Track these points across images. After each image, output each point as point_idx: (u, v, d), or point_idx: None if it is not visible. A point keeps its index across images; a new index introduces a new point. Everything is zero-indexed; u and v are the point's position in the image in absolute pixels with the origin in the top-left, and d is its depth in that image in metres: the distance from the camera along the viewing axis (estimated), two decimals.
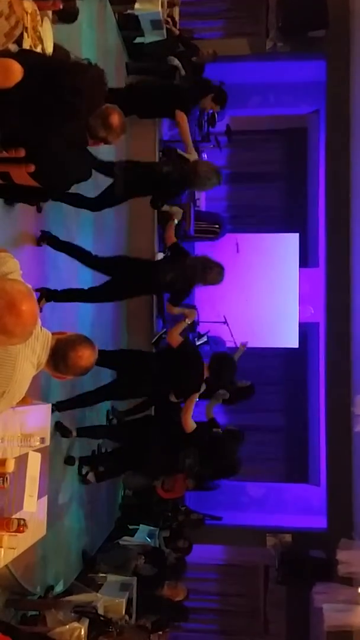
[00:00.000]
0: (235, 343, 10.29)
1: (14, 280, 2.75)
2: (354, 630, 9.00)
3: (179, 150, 7.32)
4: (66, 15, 5.44)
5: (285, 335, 11.73)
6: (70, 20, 5.64)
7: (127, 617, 6.48)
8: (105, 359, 5.03)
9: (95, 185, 7.07)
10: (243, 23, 11.38)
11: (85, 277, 6.85)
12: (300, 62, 11.40)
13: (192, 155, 7.12)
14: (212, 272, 6.18)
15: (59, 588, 6.34)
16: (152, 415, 8.14)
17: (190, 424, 6.36)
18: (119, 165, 6.53)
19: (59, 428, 6.44)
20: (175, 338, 6.48)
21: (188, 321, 6.65)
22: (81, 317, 7.32)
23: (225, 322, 9.13)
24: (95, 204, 6.61)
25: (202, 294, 9.92)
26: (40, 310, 3.58)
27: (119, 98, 5.57)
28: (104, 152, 7.14)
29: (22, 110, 3.38)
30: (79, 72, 3.43)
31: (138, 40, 9.37)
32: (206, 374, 6.35)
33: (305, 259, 12.14)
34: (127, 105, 5.72)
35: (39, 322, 2.90)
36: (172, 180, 6.41)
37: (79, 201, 6.40)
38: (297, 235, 12.01)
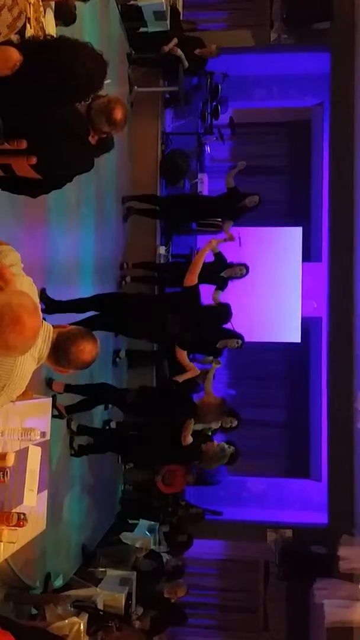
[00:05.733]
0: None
1: (19, 293, 2.68)
2: (355, 627, 8.98)
3: None
4: (65, 16, 5.42)
5: (288, 329, 11.66)
6: (69, 22, 5.62)
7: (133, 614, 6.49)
8: None
9: (96, 175, 7.01)
10: (247, 14, 11.29)
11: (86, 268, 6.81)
12: (304, 54, 11.32)
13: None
14: None
15: (58, 582, 6.32)
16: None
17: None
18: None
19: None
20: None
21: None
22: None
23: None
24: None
25: (204, 288, 9.85)
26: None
27: None
28: None
29: (23, 98, 3.33)
30: (77, 52, 3.36)
31: (142, 30, 9.33)
32: None
33: (308, 253, 12.06)
34: None
35: (40, 315, 2.86)
36: None
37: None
38: (300, 229, 11.93)
